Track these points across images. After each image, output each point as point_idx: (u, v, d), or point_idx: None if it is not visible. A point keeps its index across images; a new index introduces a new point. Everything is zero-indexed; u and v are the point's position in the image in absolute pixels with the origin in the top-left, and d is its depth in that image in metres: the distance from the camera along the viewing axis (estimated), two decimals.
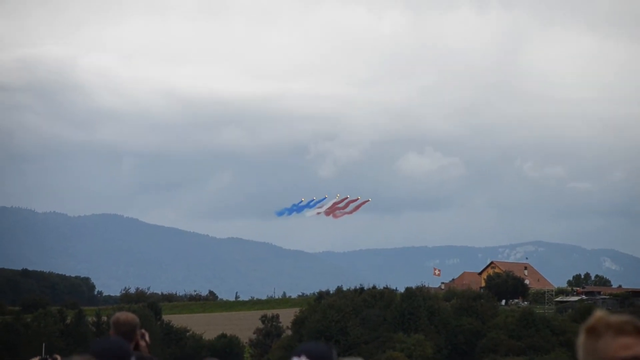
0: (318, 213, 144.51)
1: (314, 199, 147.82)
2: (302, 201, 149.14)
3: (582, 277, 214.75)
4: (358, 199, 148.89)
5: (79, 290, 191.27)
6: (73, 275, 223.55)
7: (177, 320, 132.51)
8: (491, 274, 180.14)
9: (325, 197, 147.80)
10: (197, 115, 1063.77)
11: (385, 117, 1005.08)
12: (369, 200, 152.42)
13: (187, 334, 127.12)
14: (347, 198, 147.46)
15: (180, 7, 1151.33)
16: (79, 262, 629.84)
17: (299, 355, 6.89)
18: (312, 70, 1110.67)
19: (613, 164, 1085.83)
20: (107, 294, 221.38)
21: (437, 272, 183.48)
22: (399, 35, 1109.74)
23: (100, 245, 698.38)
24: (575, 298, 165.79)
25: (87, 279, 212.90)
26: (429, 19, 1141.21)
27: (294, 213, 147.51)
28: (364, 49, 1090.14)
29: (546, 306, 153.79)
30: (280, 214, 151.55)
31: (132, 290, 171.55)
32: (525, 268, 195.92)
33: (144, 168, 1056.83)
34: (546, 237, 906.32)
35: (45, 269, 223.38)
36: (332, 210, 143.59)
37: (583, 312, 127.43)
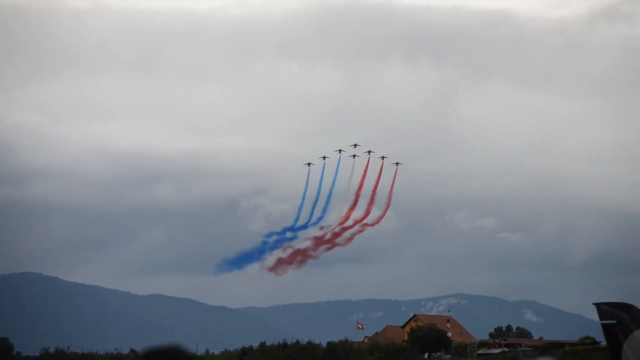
0: (261, 270, 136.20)
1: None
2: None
3: (504, 329, 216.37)
4: (384, 159, 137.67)
5: None
6: None
7: None
8: (414, 327, 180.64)
9: (357, 145, 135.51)
10: (129, 172, 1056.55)
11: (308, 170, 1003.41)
12: (400, 164, 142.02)
13: None
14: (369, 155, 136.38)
15: (111, 64, 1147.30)
16: None
17: None
18: (245, 126, 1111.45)
19: (542, 216, 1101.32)
20: (25, 354, 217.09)
21: (360, 326, 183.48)
22: (332, 90, 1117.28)
23: (18, 305, 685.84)
24: (497, 350, 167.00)
25: (5, 339, 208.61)
26: (360, 75, 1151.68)
27: (234, 270, 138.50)
28: (297, 105, 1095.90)
29: (469, 359, 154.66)
30: (221, 269, 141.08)
31: (52, 350, 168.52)
32: (448, 321, 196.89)
33: (73, 225, 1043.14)
34: (469, 289, 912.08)
35: None
36: (278, 265, 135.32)
37: None
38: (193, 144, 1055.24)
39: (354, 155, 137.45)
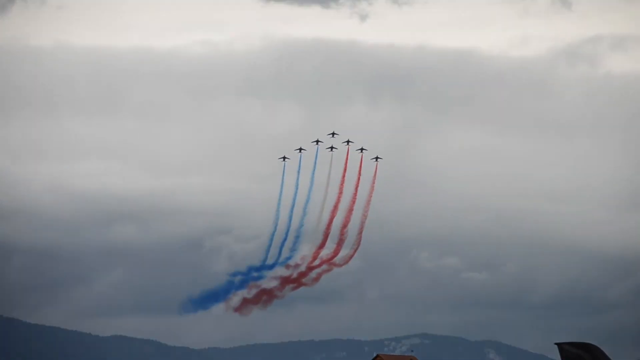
0: (227, 310, 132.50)
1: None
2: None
3: None
4: (363, 151, 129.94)
5: None
6: None
7: None
8: None
9: (335, 134, 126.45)
10: (90, 212, 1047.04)
11: (281, 211, 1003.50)
12: (380, 158, 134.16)
13: None
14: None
15: (71, 104, 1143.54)
16: None
17: None
18: (207, 165, 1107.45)
19: (506, 256, 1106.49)
20: None
21: None
22: (295, 129, 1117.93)
23: None
24: None
25: None
26: (324, 114, 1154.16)
27: (199, 310, 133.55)
28: (260, 144, 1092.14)
29: None
30: (185, 310, 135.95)
31: None
32: None
33: (34, 266, 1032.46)
34: (432, 329, 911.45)
35: None
36: (244, 305, 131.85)
37: None
38: (154, 184, 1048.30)
39: (332, 147, 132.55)
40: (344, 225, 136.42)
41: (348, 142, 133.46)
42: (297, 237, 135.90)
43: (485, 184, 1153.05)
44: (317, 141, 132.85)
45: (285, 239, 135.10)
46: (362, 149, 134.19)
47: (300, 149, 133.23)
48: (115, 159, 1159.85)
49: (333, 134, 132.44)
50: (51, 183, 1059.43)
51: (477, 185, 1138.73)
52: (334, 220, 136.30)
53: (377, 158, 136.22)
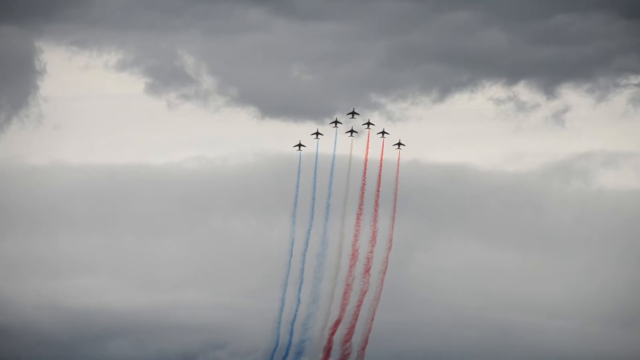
0: None
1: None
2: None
3: None
4: (384, 136, 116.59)
5: None
6: None
7: None
8: None
9: (355, 114, 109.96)
10: (84, 328, 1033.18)
11: (278, 325, 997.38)
12: (402, 145, 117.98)
13: None
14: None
15: (66, 221, 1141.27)
16: None
17: None
18: (201, 281, 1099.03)
19: None
20: None
21: None
22: (289, 244, 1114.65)
23: None
24: None
25: None
26: (318, 229, 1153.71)
27: None
28: (254, 259, 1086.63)
29: None
30: None
31: None
32: None
33: None
34: None
35: None
36: None
37: None
38: (149, 300, 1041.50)
39: (352, 132, 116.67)
40: (346, 340, 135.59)
41: (369, 124, 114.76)
42: (299, 352, 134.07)
43: (480, 298, 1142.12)
44: (336, 122, 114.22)
45: (286, 354, 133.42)
46: (383, 133, 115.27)
47: (317, 134, 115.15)
48: (111, 275, 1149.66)
49: (353, 113, 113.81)
50: (46, 299, 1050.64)
51: (472, 299, 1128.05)
52: (337, 331, 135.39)
53: (399, 145, 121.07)
